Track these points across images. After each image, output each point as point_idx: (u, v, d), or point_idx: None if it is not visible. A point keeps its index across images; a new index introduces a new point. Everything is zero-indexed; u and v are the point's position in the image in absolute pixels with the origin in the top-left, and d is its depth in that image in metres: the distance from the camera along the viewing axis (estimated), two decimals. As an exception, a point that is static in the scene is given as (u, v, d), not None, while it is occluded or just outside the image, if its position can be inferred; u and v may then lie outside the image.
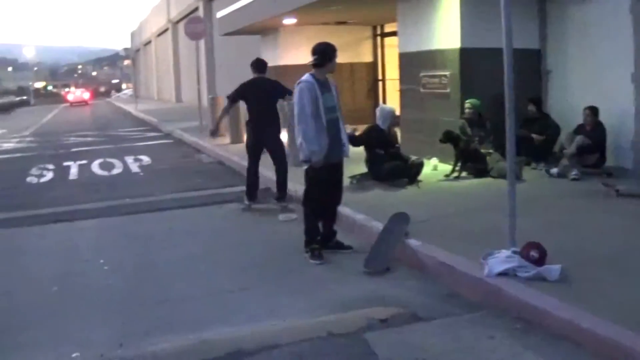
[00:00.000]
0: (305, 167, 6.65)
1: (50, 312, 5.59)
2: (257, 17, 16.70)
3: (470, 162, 9.72)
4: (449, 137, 9.80)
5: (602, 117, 9.36)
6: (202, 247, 7.46)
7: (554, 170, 9.36)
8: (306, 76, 6.51)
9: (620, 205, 7.54)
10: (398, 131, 10.75)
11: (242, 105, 9.87)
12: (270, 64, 19.17)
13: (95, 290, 6.13)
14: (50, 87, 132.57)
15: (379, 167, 9.43)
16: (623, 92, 9.35)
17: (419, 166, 9.56)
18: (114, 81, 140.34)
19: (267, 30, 19.01)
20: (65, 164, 15.50)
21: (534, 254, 5.22)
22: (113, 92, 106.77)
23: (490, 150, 9.88)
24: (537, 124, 10.28)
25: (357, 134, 9.85)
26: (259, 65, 9.31)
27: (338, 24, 17.47)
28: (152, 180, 12.44)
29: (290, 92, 9.14)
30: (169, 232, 8.26)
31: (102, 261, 7.01)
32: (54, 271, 6.75)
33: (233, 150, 14.28)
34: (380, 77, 19.01)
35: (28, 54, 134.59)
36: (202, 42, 28.93)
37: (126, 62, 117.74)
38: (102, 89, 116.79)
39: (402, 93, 12.41)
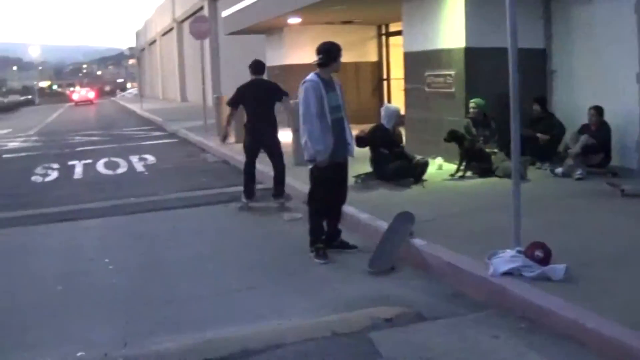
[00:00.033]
0: (310, 166, 6.65)
1: (55, 311, 5.60)
2: (262, 17, 16.72)
3: (475, 161, 9.71)
4: (453, 137, 9.80)
5: (607, 117, 9.34)
6: (207, 246, 7.47)
7: (559, 170, 9.35)
8: (311, 75, 6.51)
9: (625, 205, 7.53)
10: (403, 130, 10.74)
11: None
12: (275, 63, 19.33)
13: (99, 289, 6.14)
14: (55, 87, 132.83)
15: (384, 167, 9.42)
16: (628, 92, 9.33)
17: (424, 165, 9.55)
18: (119, 80, 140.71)
19: (272, 29, 19.02)
20: (70, 163, 15.52)
21: (538, 253, 5.22)
22: (118, 91, 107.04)
23: (495, 150, 9.87)
24: (542, 123, 10.26)
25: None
26: (257, 66, 9.31)
27: (343, 24, 17.48)
28: (157, 180, 12.45)
29: (286, 94, 9.22)
30: (173, 232, 8.27)
31: (106, 260, 7.03)
32: (58, 270, 6.77)
33: (238, 150, 14.13)
34: (385, 76, 19.00)
35: (33, 53, 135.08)
36: (207, 42, 28.91)
37: (131, 61, 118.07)
38: (107, 88, 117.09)
39: (407, 92, 12.40)
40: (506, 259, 5.26)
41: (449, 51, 10.81)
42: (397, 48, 16.10)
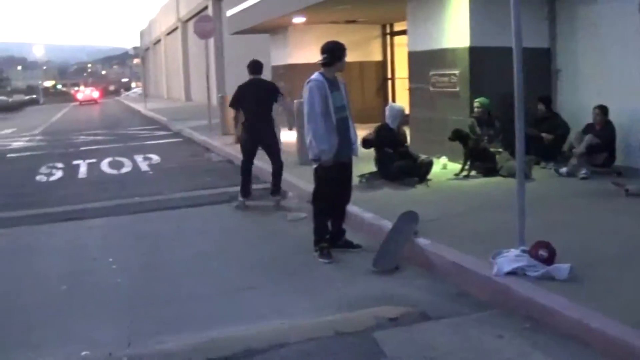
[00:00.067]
0: (314, 165, 6.65)
1: (59, 311, 5.61)
2: (266, 16, 16.72)
3: (480, 161, 9.70)
4: (458, 136, 9.79)
5: (612, 116, 9.32)
6: (211, 245, 7.47)
7: (563, 170, 9.33)
8: (315, 75, 6.50)
9: (629, 205, 7.51)
10: (407, 130, 10.74)
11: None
12: (279, 62, 19.34)
13: (104, 288, 6.14)
14: (59, 86, 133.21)
15: (388, 166, 9.42)
16: (633, 92, 9.31)
17: (428, 165, 9.54)
18: (124, 80, 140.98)
19: (276, 29, 19.03)
20: (75, 162, 15.55)
21: (543, 253, 5.21)
22: (122, 91, 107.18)
23: (500, 149, 9.86)
24: (547, 123, 10.25)
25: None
26: (256, 66, 9.34)
27: (347, 23, 17.48)
28: (162, 179, 12.46)
29: (282, 94, 9.29)
30: (177, 231, 8.27)
31: (111, 260, 7.04)
32: (62, 270, 6.78)
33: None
34: (389, 75, 19.01)
35: (37, 53, 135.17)
36: (211, 41, 29.00)
37: (135, 60, 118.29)
38: (112, 88, 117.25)
39: (412, 92, 12.40)
40: (510, 258, 5.25)
41: (453, 51, 10.80)
42: (401, 47, 16.09)
